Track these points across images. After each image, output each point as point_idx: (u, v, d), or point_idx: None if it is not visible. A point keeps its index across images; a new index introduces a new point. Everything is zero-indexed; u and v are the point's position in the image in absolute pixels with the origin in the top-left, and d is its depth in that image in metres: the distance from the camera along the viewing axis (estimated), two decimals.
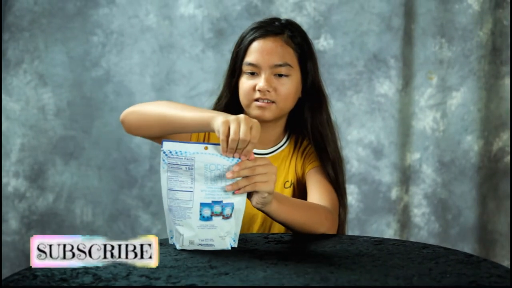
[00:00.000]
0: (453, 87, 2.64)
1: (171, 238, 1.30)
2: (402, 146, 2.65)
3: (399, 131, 2.64)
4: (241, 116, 1.27)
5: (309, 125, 1.61)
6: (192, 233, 1.26)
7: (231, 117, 1.27)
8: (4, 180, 2.58)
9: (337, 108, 2.63)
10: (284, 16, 2.58)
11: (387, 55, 2.61)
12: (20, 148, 2.58)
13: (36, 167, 2.59)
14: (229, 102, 1.62)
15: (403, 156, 2.65)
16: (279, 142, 1.64)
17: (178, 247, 1.28)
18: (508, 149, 2.68)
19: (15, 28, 2.55)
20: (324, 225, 1.44)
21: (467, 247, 2.65)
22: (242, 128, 1.24)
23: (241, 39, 1.59)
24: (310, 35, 2.59)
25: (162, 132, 1.46)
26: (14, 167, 2.58)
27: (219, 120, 1.27)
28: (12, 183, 2.58)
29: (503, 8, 2.62)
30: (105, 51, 2.58)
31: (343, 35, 2.60)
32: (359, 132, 2.64)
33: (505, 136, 2.68)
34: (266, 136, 1.61)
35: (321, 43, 2.60)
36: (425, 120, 2.64)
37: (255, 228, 1.60)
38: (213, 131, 1.31)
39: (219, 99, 1.64)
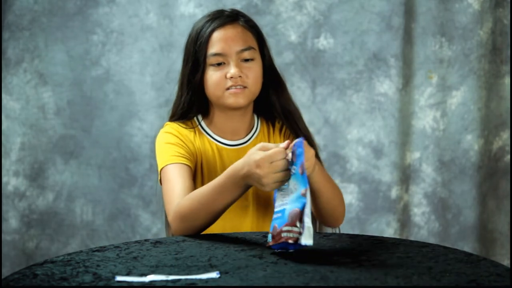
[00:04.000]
0: (453, 86, 2.64)
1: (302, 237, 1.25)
2: (402, 145, 2.65)
3: (399, 130, 2.64)
4: (247, 169, 1.33)
5: (278, 106, 1.65)
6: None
7: (258, 175, 1.31)
8: (4, 179, 2.58)
9: (337, 107, 2.63)
10: (284, 15, 2.58)
11: (387, 54, 2.61)
12: (20, 147, 2.58)
13: (36, 166, 2.59)
14: (191, 101, 1.62)
15: (403, 155, 2.65)
16: (252, 129, 1.66)
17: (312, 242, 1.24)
18: (508, 148, 2.68)
19: (15, 27, 2.55)
20: (343, 208, 1.58)
21: (467, 246, 2.65)
22: (269, 169, 1.30)
23: (197, 34, 1.60)
24: (310, 34, 2.61)
25: (219, 217, 1.45)
26: (14, 166, 2.58)
27: (254, 183, 1.34)
28: (12, 182, 2.58)
29: (503, 7, 2.62)
30: (105, 50, 2.58)
31: (343, 34, 2.60)
32: (359, 131, 2.64)
33: (505, 135, 2.68)
34: (239, 125, 1.63)
35: (321, 42, 2.60)
36: (425, 119, 2.64)
37: (248, 221, 1.60)
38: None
39: (178, 99, 1.65)
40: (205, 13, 2.53)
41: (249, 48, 1.57)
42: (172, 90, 2.56)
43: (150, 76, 2.59)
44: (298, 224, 1.24)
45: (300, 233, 1.23)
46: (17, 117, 2.58)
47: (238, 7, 2.53)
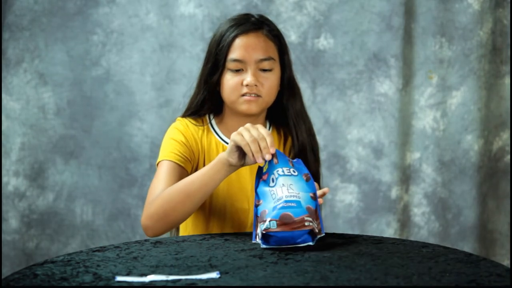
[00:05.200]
0: (453, 87, 2.64)
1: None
2: (402, 145, 2.65)
3: (399, 130, 2.64)
4: (246, 125, 1.40)
5: (289, 115, 1.67)
6: None
7: (238, 130, 1.39)
8: (4, 179, 2.58)
9: (337, 107, 2.63)
10: (284, 15, 2.58)
11: (387, 54, 2.61)
12: (20, 147, 2.58)
13: (36, 166, 2.59)
14: (206, 99, 1.65)
15: (403, 156, 2.65)
16: None
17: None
18: (508, 148, 2.68)
19: (15, 27, 2.55)
20: None
21: (467, 246, 2.65)
22: (252, 131, 1.37)
23: (221, 37, 1.61)
24: (310, 34, 2.61)
25: (194, 209, 1.48)
26: (14, 166, 2.58)
27: (232, 140, 1.39)
28: (12, 182, 2.58)
29: (503, 7, 2.62)
30: (105, 50, 2.58)
31: (343, 35, 2.60)
32: (359, 132, 2.64)
33: (505, 135, 2.68)
34: None
35: (321, 43, 2.60)
36: (425, 120, 2.64)
37: (249, 222, 1.61)
38: (234, 166, 1.42)
39: (195, 96, 1.67)
40: (205, 13, 2.56)
41: (268, 59, 1.59)
42: (172, 90, 2.58)
43: (150, 76, 2.59)
44: (315, 221, 1.30)
45: (319, 229, 1.31)
46: (17, 117, 2.58)
47: (238, 7, 2.54)
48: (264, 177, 1.37)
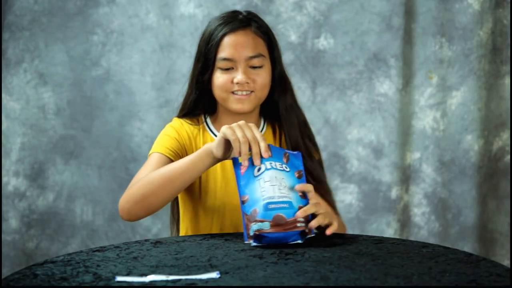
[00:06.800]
0: (453, 87, 2.64)
1: None
2: (402, 145, 2.65)
3: (399, 130, 2.64)
4: (240, 122, 1.38)
5: (281, 110, 1.66)
6: None
7: (231, 125, 1.37)
8: (4, 179, 2.58)
9: (337, 108, 2.63)
10: (284, 15, 2.58)
11: (387, 54, 2.61)
12: (20, 147, 2.58)
13: (36, 166, 2.59)
14: (198, 99, 1.65)
15: (403, 156, 2.65)
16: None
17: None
18: (508, 148, 2.68)
19: (15, 27, 2.55)
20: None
21: (467, 246, 2.65)
22: (246, 131, 1.36)
23: (209, 35, 1.61)
24: (310, 34, 2.61)
25: (172, 196, 1.48)
26: (14, 166, 2.58)
27: (221, 133, 1.37)
28: (12, 182, 2.58)
29: (503, 7, 2.62)
30: (105, 51, 2.58)
31: (343, 35, 2.60)
32: (359, 132, 2.64)
33: (505, 135, 2.68)
34: None
35: (321, 43, 2.60)
36: (425, 120, 2.64)
37: None
38: (218, 159, 1.41)
39: (188, 96, 1.67)
40: (205, 13, 2.56)
41: (258, 56, 1.58)
42: (172, 90, 2.58)
43: (150, 76, 2.59)
44: (305, 220, 1.32)
45: (310, 229, 1.32)
46: (17, 117, 2.58)
47: (238, 7, 2.54)
48: (244, 168, 1.36)
